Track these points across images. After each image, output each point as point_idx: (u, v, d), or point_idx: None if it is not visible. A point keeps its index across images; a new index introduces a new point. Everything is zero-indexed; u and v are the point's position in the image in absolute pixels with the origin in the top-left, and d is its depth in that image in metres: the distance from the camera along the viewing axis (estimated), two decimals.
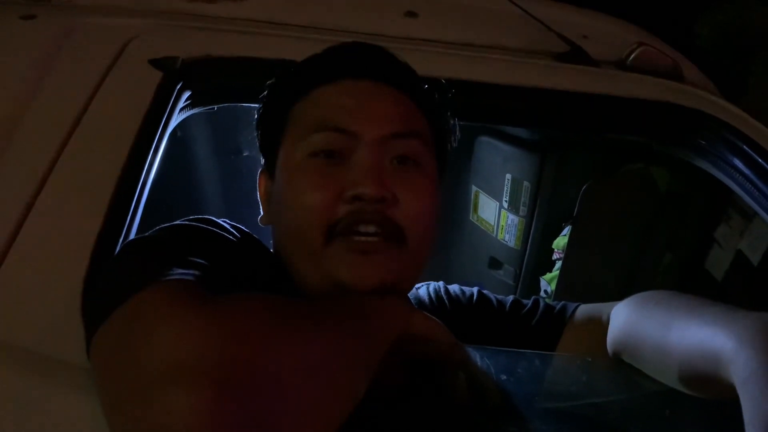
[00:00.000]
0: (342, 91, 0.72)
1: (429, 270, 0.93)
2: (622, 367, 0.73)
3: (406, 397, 0.61)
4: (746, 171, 1.07)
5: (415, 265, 0.71)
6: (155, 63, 0.92)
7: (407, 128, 0.72)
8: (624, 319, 0.75)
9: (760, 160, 1.06)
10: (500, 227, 1.72)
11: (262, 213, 0.79)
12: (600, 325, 0.79)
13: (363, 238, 0.65)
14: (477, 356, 0.67)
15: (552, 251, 1.69)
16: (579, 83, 1.10)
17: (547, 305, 0.86)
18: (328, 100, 0.71)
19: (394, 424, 0.58)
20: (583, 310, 0.84)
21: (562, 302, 0.86)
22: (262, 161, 0.80)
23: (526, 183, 1.63)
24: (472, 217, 1.81)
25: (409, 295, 0.81)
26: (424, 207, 0.70)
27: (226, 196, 1.58)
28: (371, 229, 0.65)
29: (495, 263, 1.81)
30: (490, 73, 1.08)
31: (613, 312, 0.78)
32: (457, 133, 0.83)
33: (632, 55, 1.17)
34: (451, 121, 0.81)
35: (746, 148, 1.08)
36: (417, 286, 0.90)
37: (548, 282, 1.70)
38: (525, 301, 0.88)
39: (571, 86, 1.09)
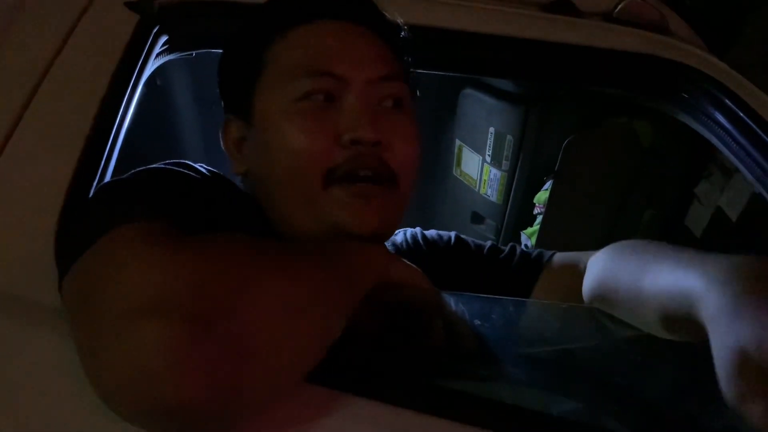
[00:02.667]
0: (323, 32, 0.70)
1: (411, 224, 0.93)
2: (596, 313, 0.74)
3: (383, 341, 0.62)
4: (728, 126, 1.07)
5: (402, 208, 0.72)
6: (131, 5, 0.89)
7: (392, 70, 0.71)
8: (600, 266, 0.75)
9: (742, 115, 1.06)
10: (483, 182, 1.72)
11: (231, 161, 0.77)
12: (576, 272, 0.80)
13: (362, 184, 0.66)
14: (452, 302, 0.68)
15: (533, 206, 1.70)
16: (564, 34, 1.09)
17: (523, 251, 0.87)
18: (309, 41, 0.70)
19: (370, 368, 0.58)
20: (560, 257, 0.85)
21: (539, 249, 0.87)
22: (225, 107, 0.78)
23: (509, 137, 1.62)
24: (455, 172, 1.81)
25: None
26: (414, 151, 0.71)
27: (205, 143, 1.57)
28: (369, 173, 0.66)
29: (477, 218, 1.82)
30: (475, 22, 1.06)
31: (590, 261, 0.78)
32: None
33: (618, 7, 1.16)
34: (412, 68, 0.80)
35: (729, 103, 1.08)
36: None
37: (528, 237, 1.71)
38: (502, 247, 0.88)
39: (556, 37, 1.08)
